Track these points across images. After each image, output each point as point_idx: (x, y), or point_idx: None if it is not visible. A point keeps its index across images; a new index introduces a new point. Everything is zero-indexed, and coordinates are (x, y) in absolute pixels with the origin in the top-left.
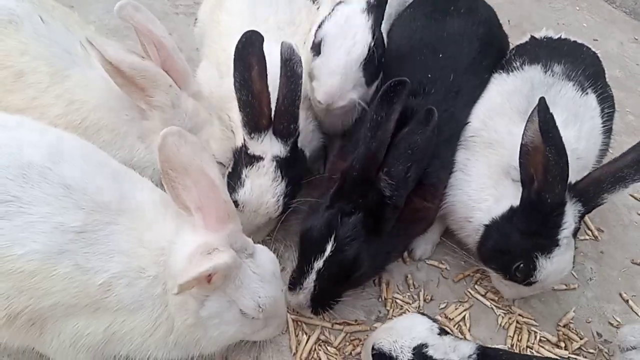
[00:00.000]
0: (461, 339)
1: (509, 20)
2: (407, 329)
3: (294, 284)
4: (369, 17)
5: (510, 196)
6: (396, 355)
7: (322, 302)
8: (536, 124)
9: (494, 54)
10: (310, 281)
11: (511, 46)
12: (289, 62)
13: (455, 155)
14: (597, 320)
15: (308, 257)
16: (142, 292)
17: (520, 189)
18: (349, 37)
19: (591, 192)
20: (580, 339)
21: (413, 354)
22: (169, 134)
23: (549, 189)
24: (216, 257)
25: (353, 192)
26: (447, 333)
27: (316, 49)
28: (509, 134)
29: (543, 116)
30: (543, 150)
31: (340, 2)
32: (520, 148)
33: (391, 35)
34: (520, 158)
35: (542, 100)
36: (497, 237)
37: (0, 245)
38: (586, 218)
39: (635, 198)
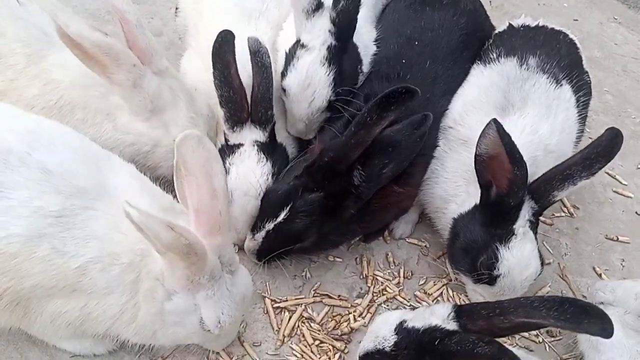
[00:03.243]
0: (434, 304)
1: (490, 1)
2: (381, 323)
3: (252, 230)
4: (329, 70)
5: (476, 196)
6: (382, 347)
7: (265, 256)
8: (489, 138)
9: (478, 44)
10: (260, 236)
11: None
12: (258, 54)
13: (437, 142)
14: (572, 293)
15: (262, 216)
16: (115, 278)
17: None
18: (309, 93)
19: (542, 190)
20: None
21: (396, 334)
22: (188, 137)
23: (512, 194)
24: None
25: (321, 172)
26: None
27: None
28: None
29: (507, 139)
30: (507, 163)
31: (300, 45)
32: (475, 158)
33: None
34: (475, 166)
35: (498, 124)
36: (462, 233)
37: None
38: None
39: (610, 175)
